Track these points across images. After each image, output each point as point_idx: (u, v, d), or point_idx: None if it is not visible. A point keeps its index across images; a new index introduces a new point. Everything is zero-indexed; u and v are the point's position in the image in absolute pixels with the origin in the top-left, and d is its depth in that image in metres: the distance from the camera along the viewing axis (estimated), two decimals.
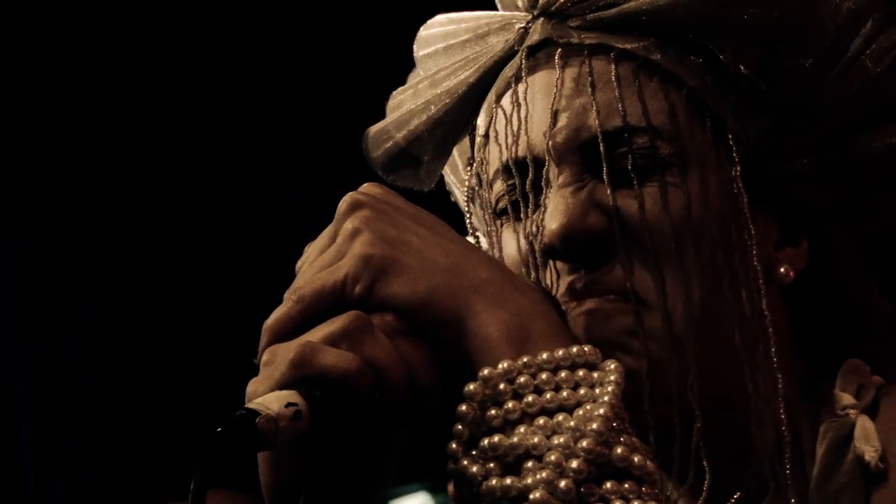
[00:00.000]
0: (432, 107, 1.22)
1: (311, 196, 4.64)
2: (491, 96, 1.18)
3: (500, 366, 0.85)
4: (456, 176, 1.34)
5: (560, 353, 0.86)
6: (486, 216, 1.20)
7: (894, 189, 1.11)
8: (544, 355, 0.86)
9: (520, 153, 1.13)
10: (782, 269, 1.11)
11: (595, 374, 0.86)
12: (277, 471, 0.88)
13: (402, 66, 1.35)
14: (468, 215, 1.29)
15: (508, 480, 0.83)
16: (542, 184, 1.11)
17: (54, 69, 4.95)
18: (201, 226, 4.91)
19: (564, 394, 0.85)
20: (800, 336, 1.16)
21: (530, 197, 1.12)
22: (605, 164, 1.07)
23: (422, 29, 1.30)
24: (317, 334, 0.85)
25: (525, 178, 1.13)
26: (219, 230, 4.92)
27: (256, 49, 5.13)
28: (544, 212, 1.10)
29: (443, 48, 1.26)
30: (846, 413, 1.08)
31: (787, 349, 1.11)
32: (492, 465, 0.84)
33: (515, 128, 1.13)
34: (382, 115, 1.30)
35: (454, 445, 0.86)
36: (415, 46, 1.30)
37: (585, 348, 0.87)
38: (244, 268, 4.68)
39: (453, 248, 0.91)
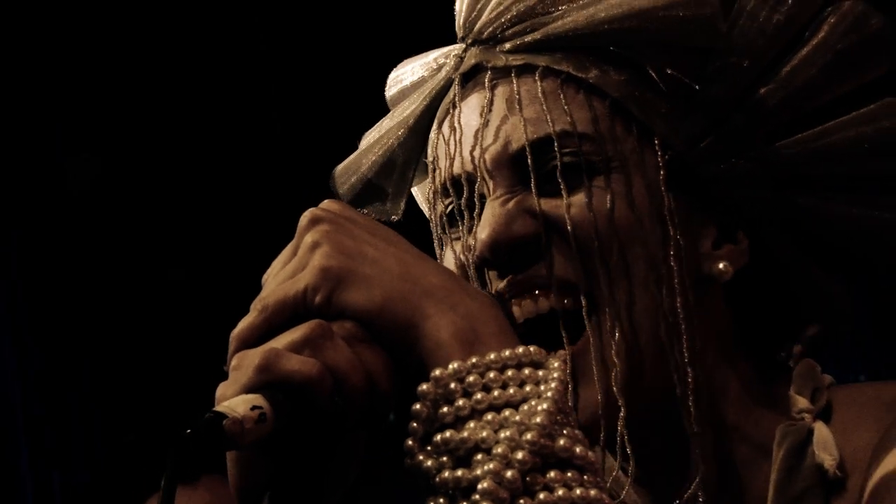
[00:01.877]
0: (387, 138, 1.27)
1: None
2: (435, 124, 1.23)
3: (450, 366, 0.88)
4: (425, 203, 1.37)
5: (507, 353, 0.89)
6: (438, 235, 1.24)
7: (823, 189, 1.15)
8: (492, 355, 0.89)
9: (455, 172, 1.17)
10: (721, 266, 1.14)
11: (540, 373, 0.89)
12: (244, 471, 0.91)
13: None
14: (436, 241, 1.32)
15: (459, 472, 0.86)
16: (476, 199, 1.15)
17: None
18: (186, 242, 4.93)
19: (511, 391, 0.88)
20: (749, 337, 1.19)
21: (465, 214, 1.16)
22: (532, 173, 1.10)
23: (392, 73, 1.35)
24: (281, 341, 0.88)
25: (461, 196, 1.17)
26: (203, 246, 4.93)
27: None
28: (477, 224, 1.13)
29: (408, 85, 1.31)
30: (802, 417, 1.11)
31: (728, 347, 1.14)
32: (445, 458, 0.87)
33: (451, 150, 1.18)
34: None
35: (410, 442, 0.89)
36: (386, 89, 1.35)
37: (531, 348, 0.90)
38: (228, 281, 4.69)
39: (406, 257, 0.94)
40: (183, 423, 0.83)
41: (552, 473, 0.86)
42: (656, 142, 1.13)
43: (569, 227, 1.09)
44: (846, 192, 1.14)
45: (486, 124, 1.14)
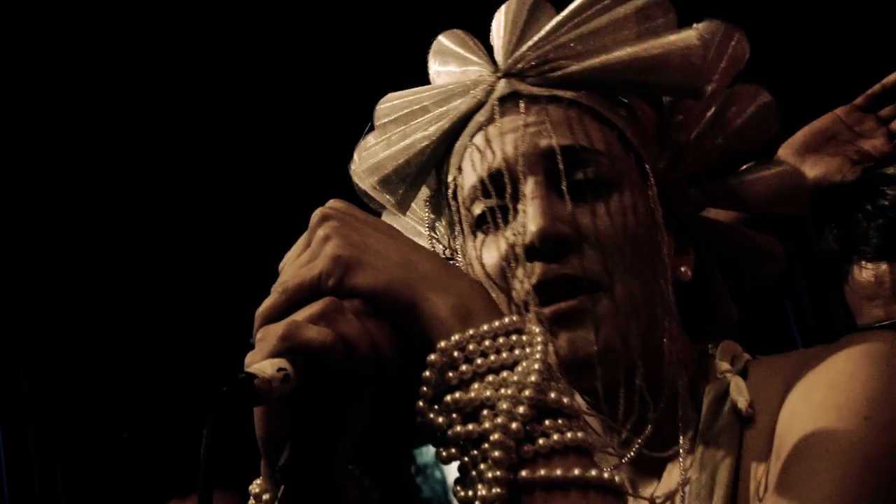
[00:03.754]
0: (411, 151, 1.43)
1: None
2: (465, 139, 1.38)
3: (452, 338, 0.99)
4: (414, 214, 1.54)
5: (496, 323, 1.01)
6: (463, 231, 1.41)
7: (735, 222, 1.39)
8: (485, 326, 1.00)
9: (492, 170, 1.34)
10: (683, 269, 1.37)
11: (524, 337, 1.00)
12: (269, 424, 1.02)
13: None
14: (430, 239, 1.50)
15: (470, 426, 0.97)
16: (510, 200, 1.33)
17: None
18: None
19: (504, 355, 0.99)
20: (691, 329, 1.40)
21: (510, 206, 1.33)
22: (563, 176, 1.29)
23: (379, 104, 1.49)
24: (300, 315, 0.98)
25: (501, 193, 1.34)
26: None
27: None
28: (523, 217, 1.31)
29: (405, 113, 1.44)
30: (724, 376, 1.31)
31: (680, 329, 1.36)
32: (454, 415, 0.98)
33: (489, 156, 1.35)
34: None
35: (421, 404, 0.99)
36: (375, 117, 1.50)
37: (514, 318, 1.02)
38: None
39: (405, 248, 1.06)
40: (218, 384, 0.92)
41: (547, 422, 0.97)
42: (647, 167, 1.33)
43: (597, 236, 1.29)
44: (747, 223, 1.47)
45: (522, 135, 1.33)
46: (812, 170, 1.97)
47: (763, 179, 1.41)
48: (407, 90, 1.44)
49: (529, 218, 1.27)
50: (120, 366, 4.85)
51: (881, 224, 2.01)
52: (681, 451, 1.31)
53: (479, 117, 1.35)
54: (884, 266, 2.02)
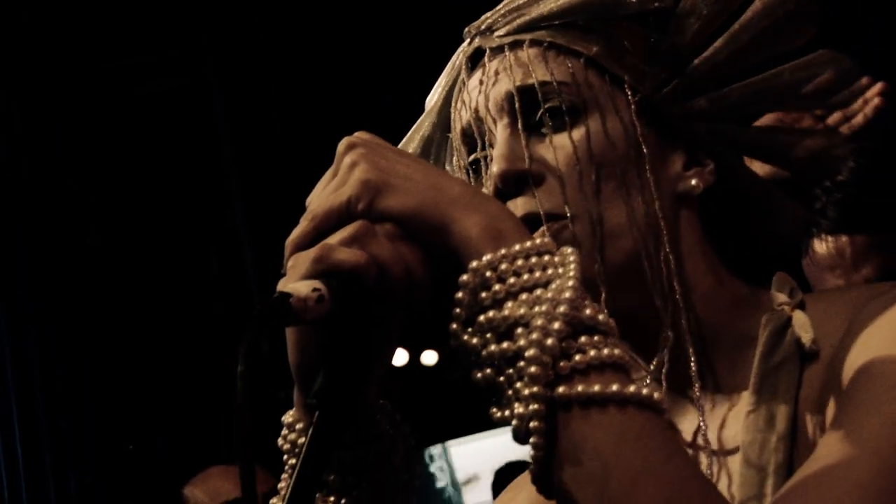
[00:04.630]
0: (423, 125, 1.44)
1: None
2: (452, 104, 1.38)
3: (484, 258, 0.97)
4: None
5: (528, 244, 0.99)
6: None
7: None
8: (517, 246, 0.98)
9: (465, 124, 1.33)
10: (692, 182, 1.27)
11: (556, 258, 0.98)
12: (302, 348, 1.02)
13: None
14: None
15: (505, 345, 0.95)
16: (488, 144, 1.30)
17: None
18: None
19: (537, 274, 0.97)
20: (727, 250, 1.33)
21: (482, 159, 1.31)
22: (519, 114, 1.26)
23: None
24: (332, 239, 0.97)
25: (474, 145, 1.33)
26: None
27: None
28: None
29: (434, 95, 1.45)
30: (782, 308, 1.23)
31: (706, 256, 1.29)
32: (488, 335, 0.96)
33: (464, 113, 1.34)
34: None
35: (454, 326, 0.98)
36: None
37: (545, 239, 1.01)
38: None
39: (432, 172, 1.05)
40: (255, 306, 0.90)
41: (583, 338, 0.95)
42: (626, 88, 1.27)
43: (554, 164, 1.24)
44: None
45: (485, 84, 1.30)
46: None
47: (793, 72, 1.30)
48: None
49: (493, 162, 1.24)
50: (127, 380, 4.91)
51: (839, 199, 2.08)
52: (696, 387, 1.24)
53: (458, 81, 1.35)
54: (843, 238, 2.11)
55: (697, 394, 1.22)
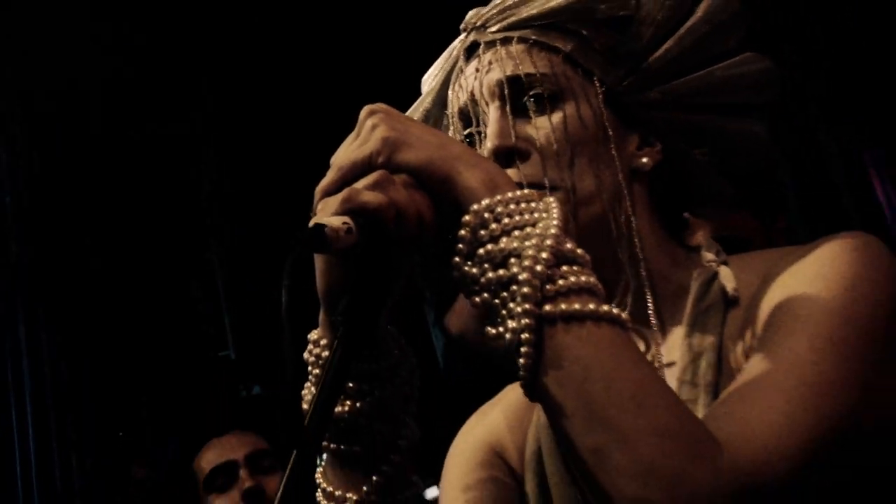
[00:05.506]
0: (423, 104, 1.45)
1: None
2: (450, 87, 1.40)
3: (483, 202, 1.01)
4: None
5: (519, 192, 1.04)
6: None
7: (705, 110, 1.34)
8: (510, 194, 1.03)
9: (462, 104, 1.35)
10: (644, 160, 1.32)
11: (541, 204, 1.03)
12: (330, 278, 1.05)
13: None
14: None
15: (501, 272, 0.99)
16: (482, 121, 1.33)
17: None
18: None
19: (527, 217, 1.01)
20: (669, 218, 1.37)
21: (480, 131, 1.33)
22: (508, 99, 1.29)
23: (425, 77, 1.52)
24: (358, 185, 1.00)
25: (470, 121, 1.35)
26: None
27: None
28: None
29: (432, 77, 1.47)
30: (710, 264, 1.29)
31: (651, 221, 1.32)
32: (486, 265, 1.00)
33: (462, 95, 1.35)
34: None
35: (457, 259, 1.02)
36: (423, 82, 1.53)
37: (531, 190, 1.07)
38: None
39: (440, 134, 1.09)
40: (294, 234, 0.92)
41: (565, 267, 0.99)
42: (596, 81, 1.31)
43: (539, 141, 1.27)
44: (720, 112, 1.34)
45: (480, 72, 1.32)
46: None
47: (726, 69, 1.33)
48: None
49: (487, 138, 1.29)
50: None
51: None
52: (656, 323, 1.27)
53: (456, 67, 1.39)
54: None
55: (653, 321, 1.28)
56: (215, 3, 4.89)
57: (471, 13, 1.39)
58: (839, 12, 3.87)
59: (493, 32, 1.33)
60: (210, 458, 2.86)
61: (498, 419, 1.40)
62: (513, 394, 1.42)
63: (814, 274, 1.11)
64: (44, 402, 4.67)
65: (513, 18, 1.32)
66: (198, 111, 5.44)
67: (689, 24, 1.32)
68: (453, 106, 1.37)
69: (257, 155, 5.39)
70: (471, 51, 1.36)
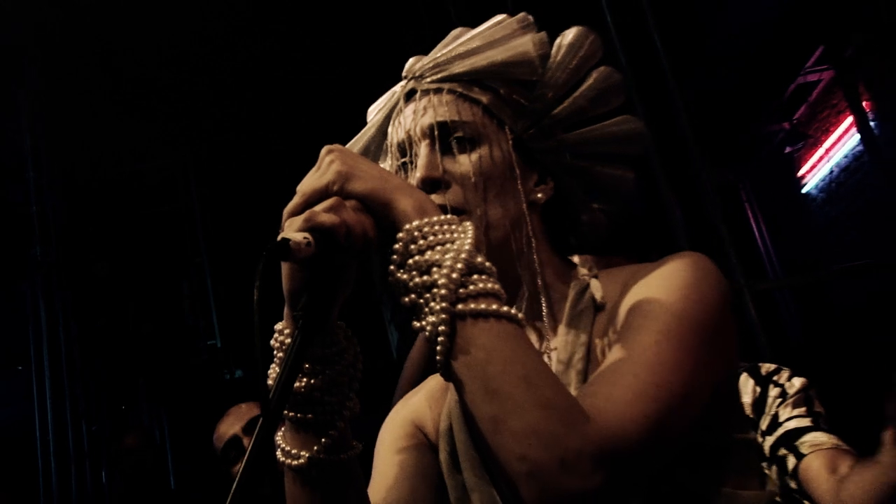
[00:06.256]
0: (366, 135, 1.45)
1: None
2: (390, 123, 1.42)
3: (413, 223, 1.06)
4: None
5: (442, 217, 1.08)
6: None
7: (590, 158, 1.39)
8: (435, 217, 1.07)
9: (401, 139, 1.36)
10: (540, 195, 1.35)
11: (459, 227, 1.08)
12: (293, 281, 1.08)
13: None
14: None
15: (425, 278, 1.04)
16: (414, 155, 1.35)
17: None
18: None
19: (447, 235, 1.06)
20: (557, 241, 1.41)
21: (412, 163, 1.36)
22: (437, 140, 1.32)
23: (369, 110, 1.51)
24: (317, 208, 1.04)
25: (406, 153, 1.37)
26: None
27: None
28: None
29: (376, 111, 1.48)
30: (584, 277, 1.34)
31: (543, 243, 1.36)
32: (414, 272, 1.05)
33: (401, 132, 1.37)
34: None
35: (392, 267, 1.07)
36: (368, 115, 1.53)
37: (452, 215, 1.10)
38: None
39: (381, 169, 1.12)
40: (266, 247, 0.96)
41: (475, 276, 1.04)
42: (507, 129, 1.34)
43: (461, 175, 1.30)
44: (601, 160, 1.39)
45: (416, 115, 1.35)
46: None
47: (606, 127, 1.38)
48: (379, 99, 1.51)
49: (417, 169, 1.31)
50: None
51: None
52: (546, 322, 1.32)
53: (396, 109, 1.41)
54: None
55: (546, 321, 1.33)
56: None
57: (411, 61, 1.42)
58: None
59: (428, 83, 1.35)
60: (220, 437, 2.90)
61: (420, 401, 1.44)
62: (432, 382, 1.47)
63: (658, 284, 1.17)
64: (60, 379, 4.76)
65: (444, 73, 1.35)
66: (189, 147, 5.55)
67: (581, 89, 1.36)
68: (393, 139, 1.38)
69: (239, 182, 5.48)
70: (409, 95, 1.38)
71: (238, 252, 5.43)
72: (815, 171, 7.72)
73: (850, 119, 6.93)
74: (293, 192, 1.10)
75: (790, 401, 2.21)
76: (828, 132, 7.48)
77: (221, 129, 5.32)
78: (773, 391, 2.25)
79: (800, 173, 7.94)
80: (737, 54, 6.12)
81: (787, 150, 7.98)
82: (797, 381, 2.27)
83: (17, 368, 5.96)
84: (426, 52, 1.43)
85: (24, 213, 4.83)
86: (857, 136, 6.84)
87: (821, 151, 7.59)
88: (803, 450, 2.15)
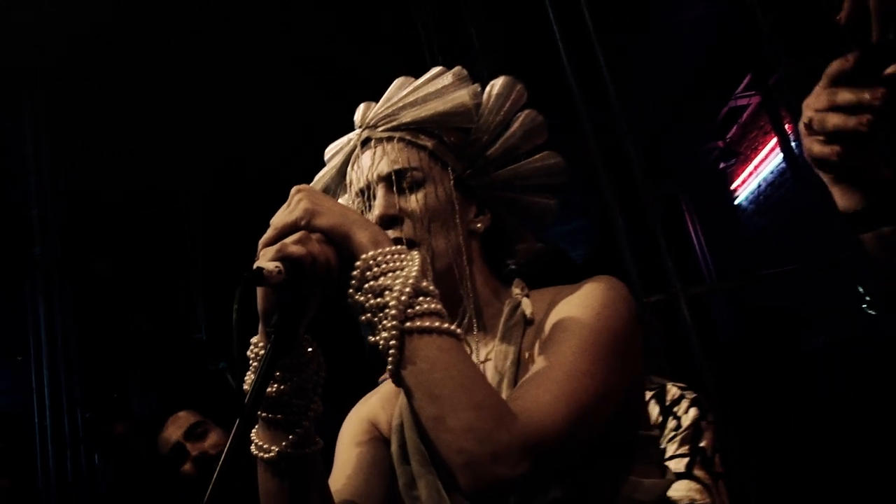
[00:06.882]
0: (327, 177, 1.50)
1: None
2: (348, 167, 1.48)
3: (369, 253, 1.10)
4: None
5: (394, 248, 1.13)
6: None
7: (521, 190, 1.47)
8: (388, 248, 1.11)
9: (362, 185, 1.42)
10: (479, 225, 1.42)
11: (408, 256, 1.13)
12: (267, 302, 1.12)
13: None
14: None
15: (378, 300, 1.08)
16: (372, 196, 1.41)
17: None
18: None
19: (398, 263, 1.10)
20: (495, 265, 1.48)
21: (369, 203, 1.41)
22: (394, 184, 1.38)
23: (326, 151, 1.54)
24: (287, 240, 1.08)
25: (365, 195, 1.43)
26: None
27: None
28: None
29: (330, 157, 1.52)
30: (517, 296, 1.41)
31: (482, 266, 1.43)
32: (369, 295, 1.09)
33: (359, 176, 1.43)
34: None
35: (350, 290, 1.12)
36: (325, 156, 1.56)
37: (402, 246, 1.15)
38: None
39: (342, 207, 1.16)
40: (245, 274, 1.01)
41: (421, 298, 1.09)
42: (449, 170, 1.40)
43: (412, 212, 1.35)
44: (530, 191, 1.47)
45: (373, 162, 1.40)
46: None
47: (531, 163, 1.45)
48: (336, 141, 1.55)
49: (375, 207, 1.36)
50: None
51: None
52: (483, 335, 1.38)
53: (353, 154, 1.44)
54: None
55: (476, 335, 1.39)
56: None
57: (362, 108, 1.47)
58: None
59: (381, 132, 1.39)
60: (164, 442, 2.91)
61: (375, 402, 1.49)
62: (387, 386, 1.52)
63: (577, 303, 1.23)
64: (56, 368, 4.77)
65: (394, 122, 1.39)
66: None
67: (510, 131, 1.44)
68: (352, 181, 1.43)
69: (229, 207, 5.47)
70: (365, 142, 1.42)
71: (223, 257, 5.43)
72: (746, 185, 7.84)
73: (775, 139, 7.14)
74: (268, 225, 1.12)
75: (679, 437, 2.17)
76: (756, 150, 7.61)
77: (223, 139, 5.32)
78: (671, 423, 2.22)
79: (732, 187, 8.06)
80: (677, 81, 6.25)
81: (722, 165, 8.11)
82: (692, 413, 2.20)
83: (17, 359, 5.97)
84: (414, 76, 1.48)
85: (24, 214, 4.81)
86: (782, 155, 7.05)
87: (750, 168, 7.71)
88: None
